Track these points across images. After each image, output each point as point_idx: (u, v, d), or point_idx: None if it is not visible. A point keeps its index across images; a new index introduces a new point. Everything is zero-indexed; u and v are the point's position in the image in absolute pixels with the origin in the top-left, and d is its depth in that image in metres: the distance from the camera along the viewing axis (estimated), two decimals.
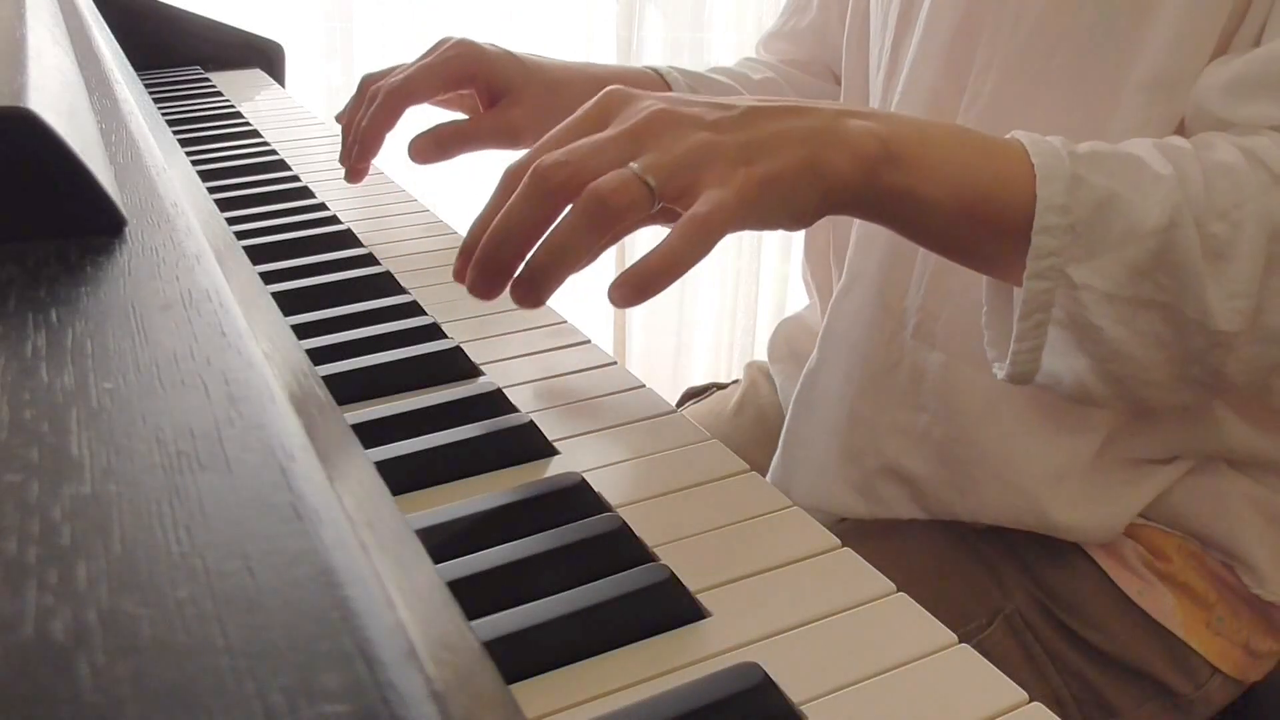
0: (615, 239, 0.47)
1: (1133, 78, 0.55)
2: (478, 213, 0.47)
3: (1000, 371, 0.52)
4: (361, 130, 0.68)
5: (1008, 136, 0.51)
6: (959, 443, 0.62)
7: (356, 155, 0.69)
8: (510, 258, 0.44)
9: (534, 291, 0.44)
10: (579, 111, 0.48)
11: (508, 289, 0.45)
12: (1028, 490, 0.60)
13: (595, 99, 0.48)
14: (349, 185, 0.74)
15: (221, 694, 0.15)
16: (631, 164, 0.43)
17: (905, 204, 0.48)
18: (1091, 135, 0.56)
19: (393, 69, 0.71)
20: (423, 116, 0.71)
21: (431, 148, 0.68)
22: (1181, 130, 0.55)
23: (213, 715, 0.15)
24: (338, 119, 0.75)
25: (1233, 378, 0.49)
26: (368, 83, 0.71)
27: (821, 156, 0.46)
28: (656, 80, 0.78)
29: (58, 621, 0.16)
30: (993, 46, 0.59)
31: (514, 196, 0.44)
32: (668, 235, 0.43)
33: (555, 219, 0.44)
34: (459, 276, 0.47)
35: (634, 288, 0.42)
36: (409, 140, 0.69)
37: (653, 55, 1.74)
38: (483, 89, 0.70)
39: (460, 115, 0.73)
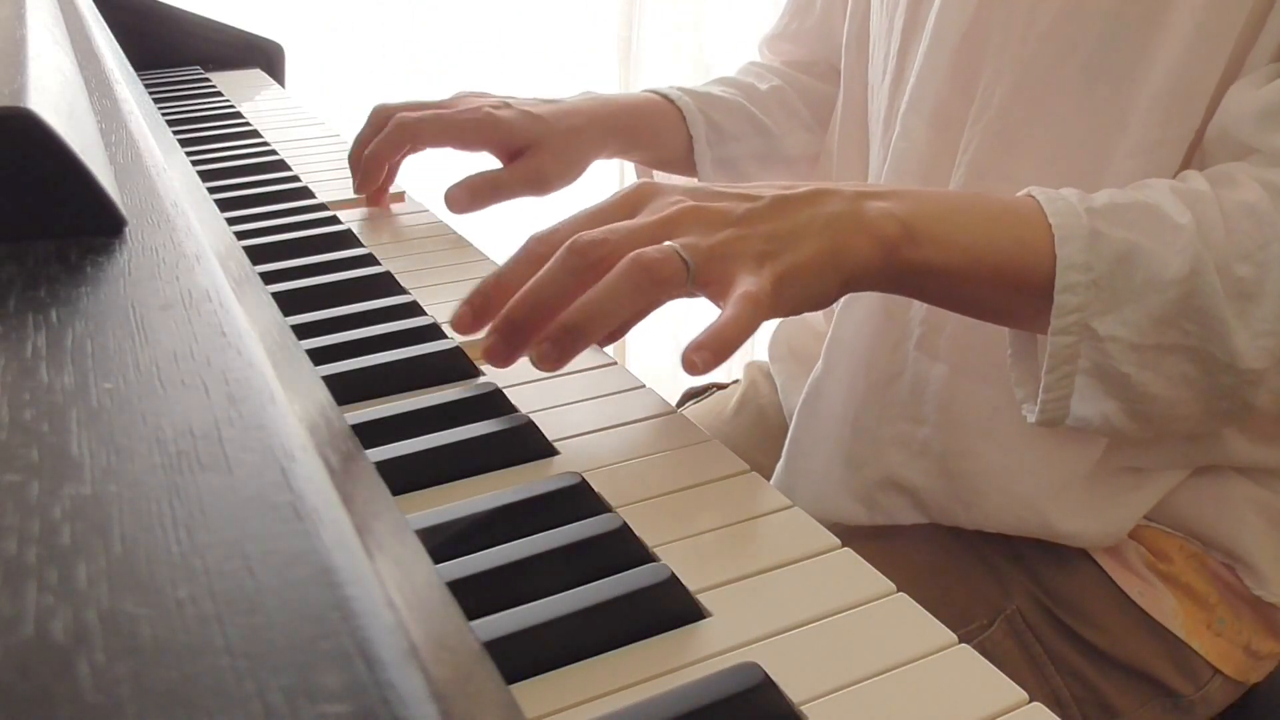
0: (635, 320, 0.48)
1: (1144, 90, 0.54)
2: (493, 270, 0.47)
3: (1030, 416, 0.52)
4: (365, 158, 0.71)
5: (1021, 194, 0.51)
6: (960, 455, 0.62)
7: (360, 182, 0.72)
8: (538, 324, 0.44)
9: (560, 350, 0.44)
10: (609, 198, 0.48)
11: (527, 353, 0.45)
12: (1030, 500, 0.60)
13: (625, 190, 0.49)
14: (349, 186, 0.74)
15: (221, 694, 0.15)
16: (669, 242, 0.44)
17: (927, 278, 0.49)
18: (1103, 148, 0.56)
19: (407, 104, 0.72)
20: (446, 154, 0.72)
21: (466, 198, 0.69)
22: (1198, 144, 0.55)
23: (213, 715, 0.15)
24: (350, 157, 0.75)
25: (1262, 408, 0.50)
26: (381, 111, 0.72)
27: (842, 243, 0.47)
28: (664, 105, 0.78)
29: (58, 621, 0.16)
30: (1001, 56, 0.58)
31: (549, 266, 0.44)
32: (724, 310, 0.43)
33: (585, 288, 0.44)
34: (463, 325, 0.46)
35: (713, 351, 0.42)
36: (445, 191, 0.69)
37: (653, 55, 1.74)
38: (499, 151, 0.71)
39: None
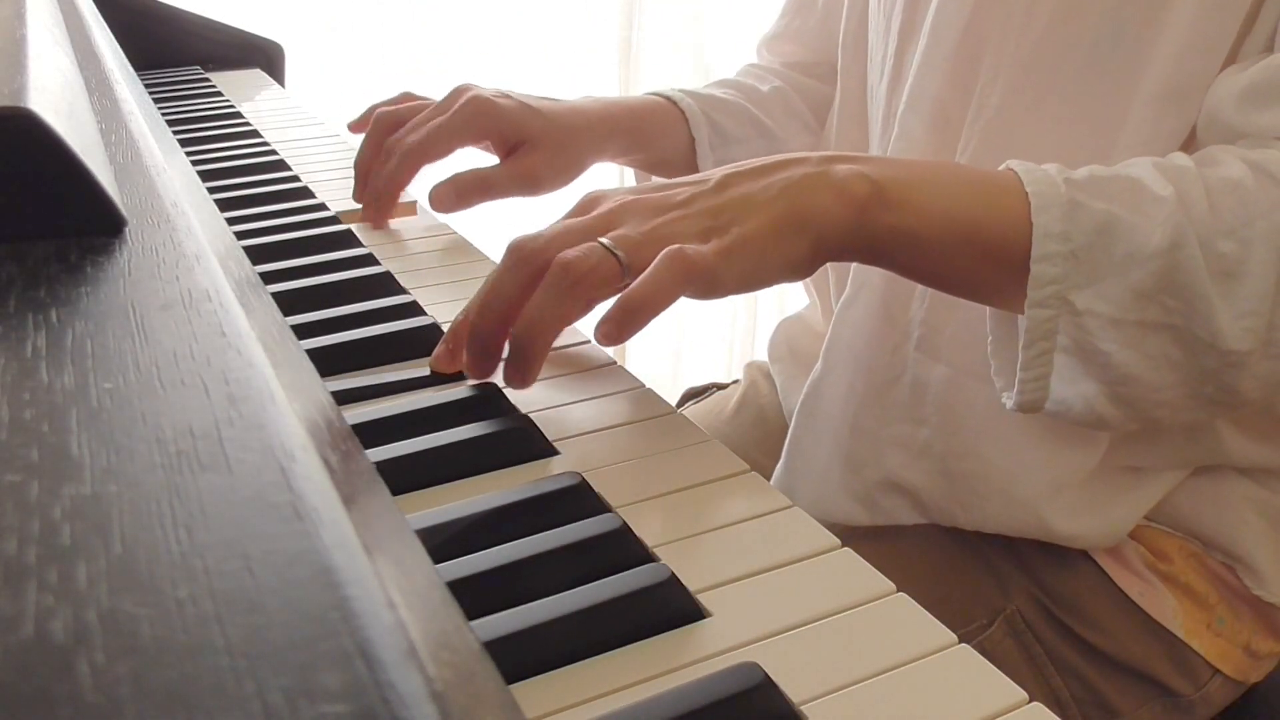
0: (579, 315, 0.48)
1: (1143, 88, 0.54)
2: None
3: (1009, 401, 0.51)
4: (378, 189, 0.70)
5: (1001, 167, 0.51)
6: (960, 456, 0.61)
7: (376, 212, 0.71)
8: (494, 327, 0.46)
9: (518, 370, 0.45)
10: (561, 217, 0.49)
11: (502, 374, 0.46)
12: (1029, 503, 0.59)
13: (574, 205, 0.50)
14: (351, 189, 0.74)
15: (221, 694, 0.15)
16: (601, 239, 0.45)
17: (902, 243, 0.48)
18: (1101, 146, 0.56)
19: (404, 103, 0.71)
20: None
21: (451, 197, 0.69)
22: (1193, 140, 0.54)
23: (213, 715, 0.15)
24: (352, 127, 0.75)
25: (1247, 394, 0.49)
26: (382, 120, 0.71)
27: (804, 205, 0.46)
28: (667, 107, 0.77)
29: (58, 621, 0.16)
30: (999, 56, 0.58)
31: (499, 279, 0.46)
32: (647, 270, 0.44)
33: (532, 291, 0.46)
34: (441, 364, 0.48)
35: (616, 323, 0.43)
36: (430, 189, 0.69)
37: (653, 55, 1.74)
38: (498, 142, 0.70)
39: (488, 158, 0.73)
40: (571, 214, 0.49)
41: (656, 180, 0.49)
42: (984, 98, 0.59)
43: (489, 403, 0.46)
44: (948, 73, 0.61)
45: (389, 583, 0.18)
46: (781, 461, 0.69)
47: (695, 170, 0.78)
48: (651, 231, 0.45)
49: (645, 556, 0.37)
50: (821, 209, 0.47)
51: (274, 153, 0.86)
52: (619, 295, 0.44)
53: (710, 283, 0.45)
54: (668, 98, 0.78)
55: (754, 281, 0.47)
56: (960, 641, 0.33)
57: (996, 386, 0.53)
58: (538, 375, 0.46)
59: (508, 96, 0.70)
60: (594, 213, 0.47)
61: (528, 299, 0.45)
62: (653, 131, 0.77)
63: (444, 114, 0.69)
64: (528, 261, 0.45)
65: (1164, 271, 0.46)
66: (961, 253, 0.48)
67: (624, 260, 0.44)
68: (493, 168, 0.70)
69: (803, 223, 0.46)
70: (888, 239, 0.48)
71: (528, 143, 0.70)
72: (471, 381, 0.48)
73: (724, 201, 0.47)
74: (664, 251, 0.44)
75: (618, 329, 0.43)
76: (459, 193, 0.69)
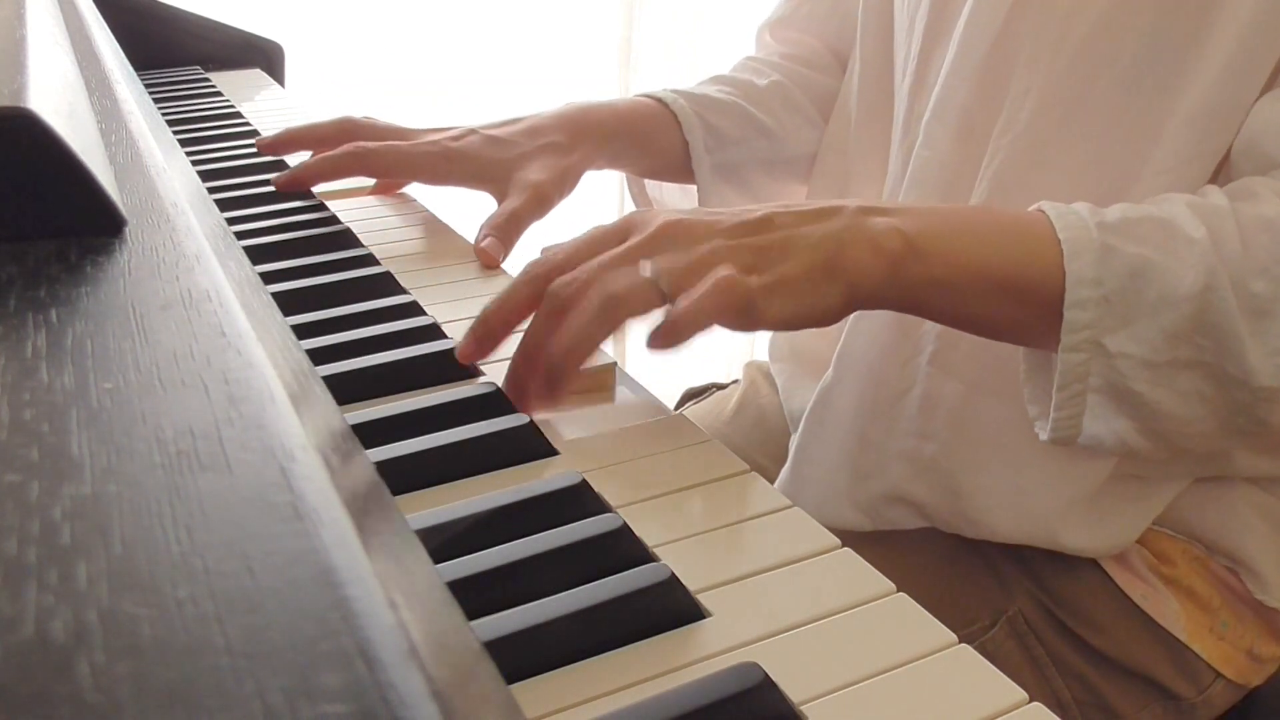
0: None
1: (1179, 107, 0.53)
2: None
3: (1043, 433, 0.52)
4: (307, 167, 0.72)
5: (1032, 209, 0.50)
6: (969, 471, 0.61)
7: (287, 179, 0.73)
8: (533, 368, 0.46)
9: (550, 389, 0.45)
10: (605, 226, 0.49)
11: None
12: (1039, 517, 0.59)
13: (622, 218, 0.50)
14: (349, 185, 0.74)
15: (221, 694, 0.15)
16: (644, 262, 0.45)
17: (935, 294, 0.49)
18: (1132, 165, 0.55)
19: (373, 128, 0.72)
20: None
21: (498, 246, 0.66)
22: (1226, 160, 0.54)
23: (213, 715, 0.15)
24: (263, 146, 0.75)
25: (1278, 426, 0.49)
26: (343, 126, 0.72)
27: (841, 256, 0.47)
28: (657, 110, 0.75)
29: (58, 621, 0.16)
30: (1032, 69, 0.57)
31: (535, 316, 0.46)
32: (694, 292, 0.44)
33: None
34: (467, 355, 0.49)
35: (663, 338, 0.44)
36: (475, 246, 0.66)
37: (652, 55, 1.74)
38: (473, 183, 0.69)
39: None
40: (611, 233, 0.49)
41: (698, 208, 0.50)
42: (1014, 111, 0.57)
43: (489, 403, 0.46)
44: (977, 82, 0.59)
45: (389, 583, 0.18)
46: (787, 467, 0.69)
47: (690, 176, 0.76)
48: (696, 261, 0.45)
49: (645, 556, 0.37)
50: (856, 261, 0.47)
51: None
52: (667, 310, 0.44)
53: (750, 315, 0.45)
54: (658, 99, 0.75)
55: (789, 321, 0.47)
56: (961, 642, 0.33)
57: (1030, 415, 0.54)
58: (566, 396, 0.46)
59: (473, 133, 0.69)
60: (634, 239, 0.47)
61: (537, 305, 0.46)
62: (641, 137, 0.74)
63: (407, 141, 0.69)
64: (563, 302, 0.45)
65: (1196, 313, 0.46)
66: (994, 300, 0.49)
67: (666, 291, 0.44)
68: (507, 203, 0.68)
69: (838, 273, 0.47)
70: (921, 290, 0.49)
71: (513, 173, 0.68)
72: (457, 351, 0.49)
73: (768, 240, 0.47)
74: (715, 277, 0.44)
75: (663, 342, 0.44)
76: (501, 238, 0.66)
